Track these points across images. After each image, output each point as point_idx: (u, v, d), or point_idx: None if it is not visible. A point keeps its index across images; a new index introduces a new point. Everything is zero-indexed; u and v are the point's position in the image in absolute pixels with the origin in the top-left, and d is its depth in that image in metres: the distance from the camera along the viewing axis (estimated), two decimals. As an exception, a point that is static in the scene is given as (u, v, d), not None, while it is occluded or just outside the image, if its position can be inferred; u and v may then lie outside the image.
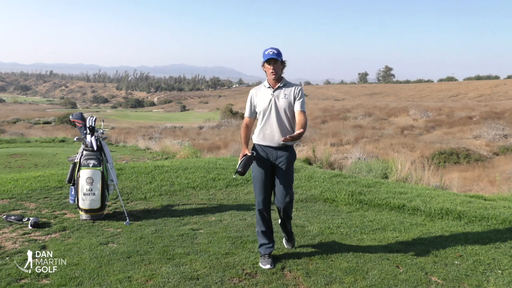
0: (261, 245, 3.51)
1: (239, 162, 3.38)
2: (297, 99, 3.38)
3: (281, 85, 3.42)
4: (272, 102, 3.38)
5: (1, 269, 3.29)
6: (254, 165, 3.48)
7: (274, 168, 3.45)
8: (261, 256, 3.47)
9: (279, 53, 3.33)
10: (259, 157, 3.45)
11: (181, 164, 7.79)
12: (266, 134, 3.40)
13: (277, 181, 3.46)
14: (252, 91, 3.52)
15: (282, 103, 3.37)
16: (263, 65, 3.41)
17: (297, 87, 3.43)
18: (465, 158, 15.85)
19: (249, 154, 3.39)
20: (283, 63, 3.42)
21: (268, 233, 3.51)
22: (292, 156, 3.46)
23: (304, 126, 3.25)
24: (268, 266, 3.35)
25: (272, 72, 3.36)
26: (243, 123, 3.57)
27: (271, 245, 3.50)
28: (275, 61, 3.34)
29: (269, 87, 3.45)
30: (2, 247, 3.79)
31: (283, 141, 3.13)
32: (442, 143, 19.07)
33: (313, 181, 6.68)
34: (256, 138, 3.48)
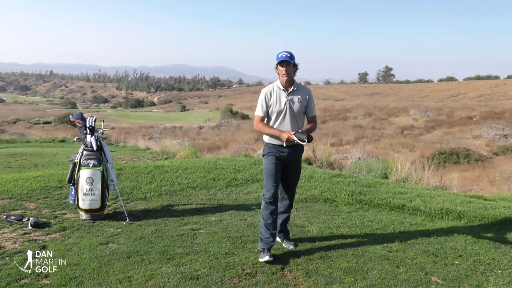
0: (262, 240, 3.56)
1: (296, 136, 3.41)
2: (310, 104, 3.66)
3: (295, 89, 3.61)
4: (287, 105, 3.57)
5: (1, 269, 3.30)
6: (268, 162, 3.63)
7: (286, 164, 3.68)
8: (261, 251, 3.52)
9: (291, 56, 3.54)
10: (274, 154, 3.62)
11: (181, 164, 7.79)
12: None
13: (288, 176, 3.75)
14: (265, 91, 3.64)
15: (296, 107, 3.59)
16: (276, 67, 3.59)
17: (309, 92, 3.68)
18: (465, 158, 15.85)
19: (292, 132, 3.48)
20: (295, 66, 3.61)
21: (273, 225, 3.60)
22: (302, 152, 3.79)
23: (316, 125, 3.72)
24: (266, 258, 3.41)
25: (284, 74, 3.54)
26: (257, 120, 3.64)
27: (271, 239, 3.57)
28: (288, 63, 3.53)
29: (283, 89, 3.60)
30: (2, 247, 3.79)
31: (292, 133, 3.42)
32: (442, 143, 19.06)
33: (313, 181, 6.68)
34: (269, 138, 3.62)
